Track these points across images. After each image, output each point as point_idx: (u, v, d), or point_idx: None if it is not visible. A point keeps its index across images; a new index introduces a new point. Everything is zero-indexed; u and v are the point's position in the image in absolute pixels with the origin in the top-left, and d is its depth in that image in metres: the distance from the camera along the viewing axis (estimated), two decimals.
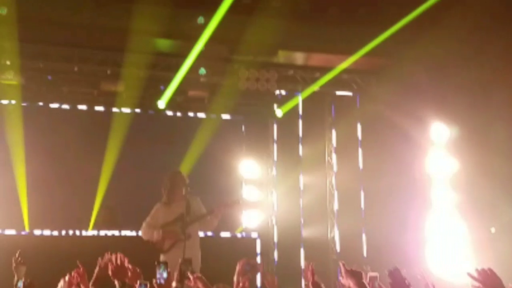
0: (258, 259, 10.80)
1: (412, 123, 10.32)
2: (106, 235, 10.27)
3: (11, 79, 9.52)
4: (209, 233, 9.61)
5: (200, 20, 9.25)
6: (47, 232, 10.04)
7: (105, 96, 10.29)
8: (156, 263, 4.89)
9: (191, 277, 5.20)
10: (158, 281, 4.69)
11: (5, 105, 10.12)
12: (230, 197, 9.49)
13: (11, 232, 9.84)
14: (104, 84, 9.96)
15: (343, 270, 4.29)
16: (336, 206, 11.20)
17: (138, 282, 4.65)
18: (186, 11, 9.04)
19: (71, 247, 9.52)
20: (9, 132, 10.01)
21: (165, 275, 4.74)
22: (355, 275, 4.21)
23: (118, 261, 4.84)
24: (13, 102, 10.11)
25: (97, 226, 10.23)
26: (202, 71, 9.78)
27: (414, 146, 10.55)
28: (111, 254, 5.04)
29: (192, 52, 9.36)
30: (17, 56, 9.43)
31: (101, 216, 10.19)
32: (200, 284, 5.25)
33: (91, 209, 10.25)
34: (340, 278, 4.44)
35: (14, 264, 5.92)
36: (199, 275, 5.38)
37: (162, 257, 8.01)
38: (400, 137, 10.39)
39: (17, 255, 5.97)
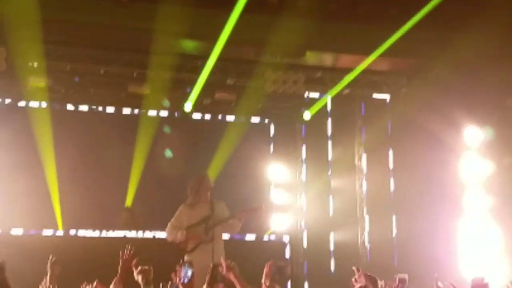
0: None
1: (445, 126, 10.06)
2: (135, 236, 10.25)
3: (39, 81, 9.59)
4: (237, 236, 9.48)
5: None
6: (79, 232, 10.13)
7: (132, 98, 10.28)
8: (180, 262, 4.86)
9: (224, 264, 5.13)
10: (182, 280, 4.63)
11: (33, 107, 10.21)
12: (257, 201, 9.42)
13: (45, 232, 9.94)
14: (131, 86, 9.92)
15: (359, 274, 4.12)
16: (366, 210, 10.98)
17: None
18: (211, 11, 8.96)
19: (102, 247, 9.53)
20: (38, 134, 10.10)
21: (189, 274, 4.68)
22: (372, 279, 4.08)
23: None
24: (41, 104, 10.20)
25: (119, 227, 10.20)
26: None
27: (446, 150, 10.28)
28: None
29: (218, 54, 9.25)
30: (44, 58, 9.52)
31: (122, 218, 10.17)
32: (231, 275, 5.19)
33: (120, 210, 10.29)
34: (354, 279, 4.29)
35: (49, 264, 5.91)
36: (232, 263, 5.34)
37: (186, 258, 7.98)
38: (432, 140, 10.14)
39: (50, 257, 5.97)
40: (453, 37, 9.39)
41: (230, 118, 10.99)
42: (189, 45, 9.70)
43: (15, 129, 10.01)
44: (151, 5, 8.94)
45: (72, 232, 10.12)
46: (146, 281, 4.85)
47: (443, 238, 10.03)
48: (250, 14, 8.70)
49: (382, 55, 9.63)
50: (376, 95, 10.94)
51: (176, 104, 10.22)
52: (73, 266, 6.47)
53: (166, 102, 10.13)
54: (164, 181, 10.40)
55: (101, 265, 5.63)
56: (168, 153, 10.33)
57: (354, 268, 4.66)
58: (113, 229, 10.25)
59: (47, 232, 10.01)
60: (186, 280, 4.66)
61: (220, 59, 9.36)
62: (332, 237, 10.94)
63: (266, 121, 11.26)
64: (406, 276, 5.68)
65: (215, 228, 7.97)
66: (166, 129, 10.34)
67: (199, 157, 10.49)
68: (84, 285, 5.99)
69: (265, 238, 10.80)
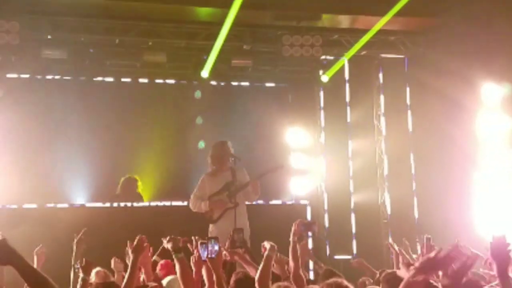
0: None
1: (462, 84, 9.96)
2: (157, 205, 10.27)
3: (53, 53, 9.51)
4: (260, 201, 9.52)
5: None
6: (97, 204, 10.06)
7: (148, 68, 10.21)
8: (207, 238, 4.88)
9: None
10: (209, 255, 4.66)
11: (48, 79, 10.15)
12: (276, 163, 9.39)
13: (64, 205, 9.91)
14: (147, 55, 9.84)
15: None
16: (386, 171, 10.99)
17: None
18: None
19: (124, 218, 9.58)
20: (53, 107, 10.08)
21: (216, 248, 4.71)
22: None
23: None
24: (57, 77, 10.15)
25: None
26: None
27: (464, 108, 10.18)
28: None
29: (233, 20, 9.11)
30: (58, 30, 9.42)
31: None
32: (237, 258, 5.27)
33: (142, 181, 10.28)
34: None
35: (75, 241, 5.94)
36: (233, 250, 5.41)
37: (211, 227, 8.03)
38: (450, 99, 10.03)
39: (81, 233, 5.98)
40: None
41: (247, 83, 10.93)
42: (204, 12, 9.58)
43: (31, 102, 9.98)
44: None
45: (90, 204, 10.06)
46: (176, 249, 4.89)
47: (461, 195, 10.04)
48: None
49: (397, 15, 9.48)
50: (393, 56, 10.84)
51: (193, 72, 10.12)
52: (94, 238, 6.45)
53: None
54: (184, 150, 10.41)
55: (123, 235, 5.63)
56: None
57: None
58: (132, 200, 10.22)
59: (63, 205, 9.92)
60: (213, 255, 4.69)
61: (235, 25, 9.20)
62: (352, 199, 10.98)
63: (284, 85, 11.19)
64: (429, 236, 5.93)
65: (238, 194, 7.99)
66: (197, 94, 10.14)
67: (217, 124, 10.49)
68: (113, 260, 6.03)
69: (287, 201, 10.83)
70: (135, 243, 4.85)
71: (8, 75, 10.03)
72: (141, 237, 4.90)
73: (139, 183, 9.96)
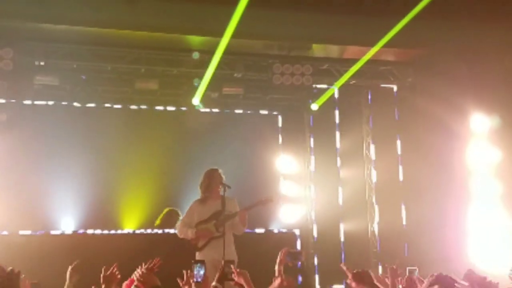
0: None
1: (451, 114, 10.05)
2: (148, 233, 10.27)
3: (46, 80, 9.59)
4: (248, 229, 9.51)
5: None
6: (98, 231, 10.13)
7: (140, 95, 10.30)
8: (193, 261, 4.86)
9: (234, 273, 5.14)
10: (195, 279, 4.65)
11: (40, 105, 10.22)
12: (267, 193, 9.39)
13: (56, 232, 9.94)
14: (139, 82, 9.93)
15: (349, 275, 4.04)
16: (375, 199, 11.03)
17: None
18: (216, 7, 8.93)
19: (118, 245, 9.57)
20: (45, 132, 10.13)
21: (202, 273, 4.70)
22: (364, 278, 3.93)
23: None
24: (48, 102, 10.21)
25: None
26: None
27: (453, 137, 10.28)
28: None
29: (225, 48, 9.22)
30: (51, 56, 9.51)
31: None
32: (242, 280, 5.19)
33: (129, 206, 10.32)
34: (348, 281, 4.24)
35: (70, 270, 5.89)
36: (243, 270, 5.33)
37: (197, 255, 8.00)
38: (439, 128, 10.14)
39: (74, 264, 5.93)
40: (458, 26, 9.39)
41: (238, 111, 11.02)
42: (196, 40, 9.68)
43: (22, 128, 10.03)
44: (158, 2, 8.98)
45: (90, 231, 10.10)
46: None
47: (452, 225, 10.06)
48: (256, 8, 8.64)
49: (387, 46, 9.62)
50: (382, 85, 10.97)
51: (184, 99, 10.20)
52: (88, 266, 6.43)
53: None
54: (174, 176, 10.44)
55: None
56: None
57: (343, 266, 4.60)
58: (118, 228, 10.26)
59: (56, 232, 9.95)
60: (199, 279, 4.68)
61: (227, 53, 9.31)
62: (342, 227, 11.00)
63: (274, 113, 11.30)
64: (416, 268, 5.81)
65: (226, 224, 7.94)
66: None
67: (208, 151, 10.52)
68: None
69: (275, 230, 10.84)
70: (108, 272, 4.84)
71: (0, 101, 10.11)
72: (114, 266, 4.88)
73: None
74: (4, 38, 9.08)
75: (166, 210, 9.92)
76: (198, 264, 4.75)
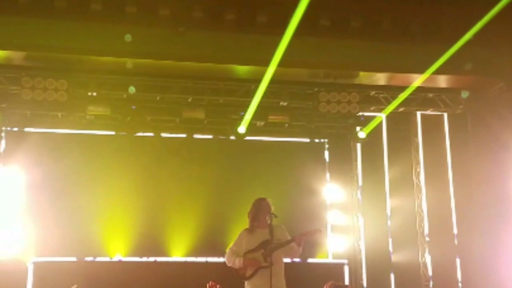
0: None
1: (504, 142, 9.79)
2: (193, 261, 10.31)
3: (98, 110, 9.86)
4: (296, 259, 9.44)
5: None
6: (134, 259, 10.20)
7: (187, 123, 10.46)
8: None
9: None
10: None
11: (92, 135, 10.51)
12: (314, 222, 9.33)
13: (103, 259, 10.10)
14: (186, 111, 10.10)
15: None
16: (426, 230, 10.77)
17: None
18: (262, 36, 9.04)
19: (155, 273, 9.65)
20: (98, 160, 10.39)
21: None
22: None
23: None
24: (100, 132, 10.49)
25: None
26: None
27: (507, 166, 9.99)
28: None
29: (271, 77, 9.29)
30: (102, 87, 9.80)
31: None
32: None
33: (177, 234, 10.42)
34: None
35: None
36: None
37: (246, 284, 7.95)
38: (492, 157, 9.89)
39: None
40: (509, 52, 9.19)
41: (284, 139, 11.02)
42: (242, 70, 9.80)
43: (75, 157, 10.33)
44: (205, 33, 9.16)
45: (125, 259, 10.19)
46: None
47: (508, 256, 9.72)
48: (302, 36, 8.70)
49: (437, 72, 9.48)
50: (432, 112, 10.78)
51: (230, 128, 10.29)
52: None
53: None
54: (222, 205, 10.48)
55: None
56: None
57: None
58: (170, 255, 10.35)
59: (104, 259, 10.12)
60: None
61: (273, 81, 9.40)
62: (391, 258, 10.76)
63: (321, 141, 11.25)
64: None
65: (275, 253, 7.88)
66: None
67: (255, 180, 10.53)
68: None
69: (324, 260, 10.70)
70: None
71: (55, 131, 10.45)
72: None
73: None
74: (59, 71, 9.42)
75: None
76: None
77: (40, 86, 9.34)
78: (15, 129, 10.35)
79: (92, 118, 10.23)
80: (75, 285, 5.86)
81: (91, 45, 8.99)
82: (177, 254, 10.35)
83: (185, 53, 9.28)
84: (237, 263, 7.91)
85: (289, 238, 7.95)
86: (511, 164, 9.90)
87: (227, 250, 8.14)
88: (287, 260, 8.30)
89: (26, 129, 10.39)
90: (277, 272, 7.75)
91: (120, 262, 10.09)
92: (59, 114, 10.23)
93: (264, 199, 8.22)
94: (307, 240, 8.33)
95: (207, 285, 5.36)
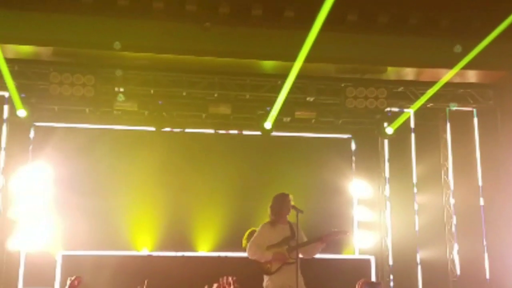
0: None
1: None
2: (219, 256, 10.32)
3: (125, 105, 9.92)
4: (323, 255, 9.37)
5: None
6: (161, 253, 10.20)
7: (213, 119, 10.47)
8: None
9: None
10: None
11: (119, 130, 10.57)
12: (340, 218, 9.31)
13: (132, 253, 10.16)
14: (212, 107, 10.10)
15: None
16: (454, 227, 10.64)
17: None
18: (289, 32, 8.99)
19: (182, 267, 9.69)
20: (125, 155, 10.46)
21: None
22: None
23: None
24: (127, 127, 10.55)
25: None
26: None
27: None
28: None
29: (298, 73, 9.22)
30: (129, 83, 9.84)
31: None
32: None
33: (203, 229, 10.45)
34: None
35: None
36: None
37: (267, 279, 7.92)
38: None
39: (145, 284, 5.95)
40: None
41: (310, 135, 10.98)
42: (269, 65, 9.77)
43: (102, 151, 10.42)
44: (231, 28, 9.14)
45: (156, 253, 10.23)
46: None
47: None
48: (329, 31, 8.62)
49: (466, 67, 9.33)
50: (461, 108, 10.62)
51: (257, 123, 10.28)
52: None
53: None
54: (248, 200, 10.47)
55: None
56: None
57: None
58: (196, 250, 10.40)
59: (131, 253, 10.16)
60: None
61: (299, 77, 9.33)
62: (418, 255, 10.68)
63: (347, 137, 11.18)
64: None
65: (299, 250, 7.85)
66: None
67: (280, 176, 10.51)
68: None
69: (350, 256, 10.66)
70: None
71: (82, 126, 10.54)
72: None
73: None
74: (87, 67, 9.48)
75: (249, 230, 9.96)
76: None
77: (68, 82, 9.40)
78: (44, 124, 10.46)
79: (119, 114, 10.29)
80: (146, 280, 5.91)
81: (118, 40, 9.01)
82: (203, 249, 10.39)
83: (211, 48, 9.28)
84: (266, 256, 7.89)
85: (304, 237, 7.94)
86: None
87: (249, 244, 8.11)
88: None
89: (54, 124, 10.51)
90: (299, 269, 7.77)
91: (147, 256, 10.14)
92: (87, 109, 10.32)
93: (287, 195, 8.17)
94: (333, 239, 8.33)
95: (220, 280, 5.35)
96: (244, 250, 9.80)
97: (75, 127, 10.55)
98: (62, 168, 10.24)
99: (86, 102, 9.75)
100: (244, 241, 9.87)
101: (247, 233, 9.88)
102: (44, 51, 9.39)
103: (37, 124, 10.44)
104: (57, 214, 10.08)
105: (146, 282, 5.92)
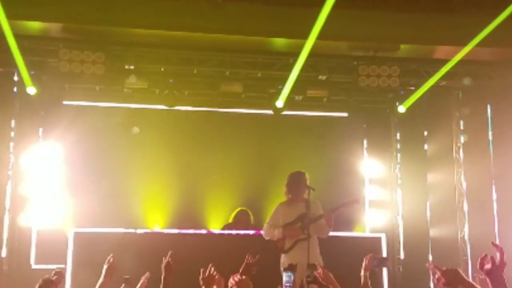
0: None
1: None
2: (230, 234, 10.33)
3: (135, 83, 9.86)
4: (334, 233, 9.39)
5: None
6: (173, 231, 10.16)
7: (224, 97, 10.41)
8: (283, 268, 4.83)
9: (319, 276, 5.05)
10: (285, 286, 4.63)
11: (130, 109, 10.54)
12: (352, 197, 9.25)
13: (144, 231, 10.10)
14: (224, 85, 10.03)
15: (438, 272, 3.62)
16: (465, 205, 10.62)
17: None
18: (301, 9, 8.88)
19: (193, 245, 9.70)
20: (134, 134, 10.44)
21: (292, 279, 4.68)
22: (456, 276, 3.43)
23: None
24: (137, 106, 10.51)
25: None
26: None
27: None
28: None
29: (310, 51, 9.12)
30: (140, 61, 9.77)
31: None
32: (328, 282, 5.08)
33: (214, 207, 10.47)
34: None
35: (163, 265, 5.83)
36: (327, 273, 5.24)
37: (282, 258, 7.97)
38: None
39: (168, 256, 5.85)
40: None
41: (322, 114, 10.92)
42: (280, 42, 9.67)
43: (113, 130, 10.40)
44: (243, 5, 9.03)
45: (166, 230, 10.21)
46: None
47: None
48: (342, 8, 8.49)
49: (480, 45, 9.20)
50: (474, 86, 10.52)
51: (268, 102, 10.21)
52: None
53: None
54: (259, 179, 10.48)
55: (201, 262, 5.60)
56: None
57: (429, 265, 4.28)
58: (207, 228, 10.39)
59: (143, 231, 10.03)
60: (289, 286, 4.65)
61: (311, 55, 9.17)
62: (430, 233, 10.68)
63: (360, 115, 11.12)
64: None
65: (311, 225, 7.89)
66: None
67: (291, 154, 10.49)
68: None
69: (361, 234, 10.65)
70: (206, 274, 4.88)
71: (93, 104, 10.51)
72: (210, 267, 4.91)
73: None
74: (96, 44, 9.39)
75: (238, 209, 10.04)
76: (289, 270, 4.73)
77: (78, 59, 9.27)
78: (54, 102, 10.42)
79: (129, 92, 10.23)
80: (111, 255, 5.85)
81: (128, 17, 8.93)
82: (215, 227, 10.41)
83: (222, 26, 9.15)
84: (276, 233, 7.97)
85: (322, 213, 7.96)
86: None
87: (265, 225, 8.19)
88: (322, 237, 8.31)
89: (65, 102, 10.48)
90: (314, 245, 7.80)
91: (158, 233, 10.15)
92: (97, 88, 10.27)
93: (303, 173, 8.23)
94: (344, 212, 8.35)
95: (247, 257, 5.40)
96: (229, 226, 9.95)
97: (86, 105, 10.50)
98: (73, 146, 10.22)
99: (96, 79, 9.71)
100: (230, 219, 9.98)
101: (235, 212, 9.99)
102: (53, 28, 9.30)
103: (48, 102, 10.39)
104: (68, 192, 10.09)
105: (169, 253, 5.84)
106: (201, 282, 4.87)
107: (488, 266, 3.15)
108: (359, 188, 10.79)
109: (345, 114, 11.05)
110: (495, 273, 3.10)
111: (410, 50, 9.93)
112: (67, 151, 10.23)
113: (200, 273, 4.93)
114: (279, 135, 10.77)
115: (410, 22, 9.25)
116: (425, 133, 10.99)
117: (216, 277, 4.98)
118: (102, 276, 5.54)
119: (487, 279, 3.12)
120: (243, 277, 5.20)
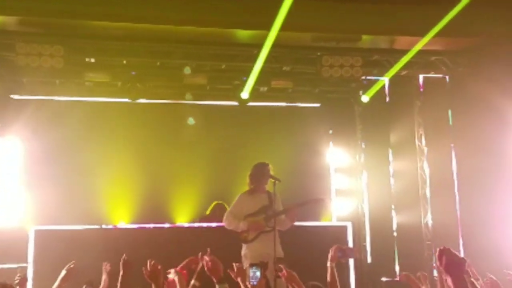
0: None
1: (506, 103, 9.77)
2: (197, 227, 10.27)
3: (97, 76, 9.69)
4: (299, 223, 9.44)
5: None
6: (138, 226, 10.08)
7: (189, 90, 10.34)
8: (249, 265, 4.82)
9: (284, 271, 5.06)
10: (251, 282, 4.61)
11: (91, 102, 10.37)
12: (318, 187, 9.37)
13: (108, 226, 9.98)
14: (187, 77, 9.95)
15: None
16: (428, 192, 10.83)
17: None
18: (264, 1, 8.84)
19: (159, 239, 9.63)
20: (97, 127, 10.28)
21: (258, 275, 4.66)
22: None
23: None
24: (99, 99, 10.34)
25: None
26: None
27: (509, 127, 10.01)
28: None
29: (273, 42, 9.13)
30: (101, 53, 9.60)
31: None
32: (292, 282, 5.09)
33: (180, 200, 10.41)
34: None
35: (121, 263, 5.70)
36: (292, 272, 5.25)
37: (245, 248, 7.93)
38: (494, 118, 9.85)
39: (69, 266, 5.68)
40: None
41: (287, 104, 10.96)
42: (244, 34, 9.62)
43: (74, 124, 10.21)
44: None
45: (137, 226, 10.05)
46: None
47: (509, 217, 9.81)
48: (304, 0, 8.53)
49: (438, 35, 9.37)
50: (434, 75, 10.70)
51: (233, 94, 10.17)
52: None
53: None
54: (225, 170, 10.45)
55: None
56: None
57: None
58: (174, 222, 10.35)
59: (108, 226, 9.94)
60: (255, 282, 4.64)
61: (275, 46, 9.22)
62: (394, 220, 10.86)
63: (324, 106, 11.19)
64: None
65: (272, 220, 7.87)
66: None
67: (257, 145, 10.51)
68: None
69: (327, 223, 10.75)
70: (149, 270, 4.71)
71: (52, 98, 10.29)
72: (150, 262, 4.73)
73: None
74: (55, 36, 9.16)
75: (214, 203, 10.01)
76: (254, 267, 4.71)
77: (35, 52, 9.02)
78: (12, 96, 10.17)
79: (91, 85, 10.06)
80: (72, 262, 5.67)
81: (88, 9, 8.72)
82: (181, 221, 10.35)
83: (186, 17, 9.03)
84: (241, 226, 7.92)
85: (281, 206, 7.97)
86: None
87: (226, 213, 8.14)
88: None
89: (23, 97, 10.23)
90: (277, 236, 7.80)
91: (123, 229, 10.01)
92: (57, 81, 10.06)
93: (267, 164, 8.20)
94: (310, 208, 8.37)
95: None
96: (207, 218, 9.93)
97: (45, 99, 10.29)
98: (33, 141, 10.03)
99: (55, 73, 9.48)
100: (207, 212, 9.99)
101: (212, 205, 9.98)
102: (9, 21, 9.01)
103: (4, 96, 10.12)
104: (29, 189, 9.89)
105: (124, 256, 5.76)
106: (148, 278, 4.67)
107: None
108: (325, 177, 10.90)
109: (310, 105, 11.12)
110: (454, 269, 2.99)
111: (371, 40, 10.01)
112: (27, 147, 10.03)
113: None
114: (245, 126, 10.81)
115: (371, 13, 9.31)
116: (389, 122, 11.12)
117: (159, 267, 4.79)
118: (58, 280, 5.35)
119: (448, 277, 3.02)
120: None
